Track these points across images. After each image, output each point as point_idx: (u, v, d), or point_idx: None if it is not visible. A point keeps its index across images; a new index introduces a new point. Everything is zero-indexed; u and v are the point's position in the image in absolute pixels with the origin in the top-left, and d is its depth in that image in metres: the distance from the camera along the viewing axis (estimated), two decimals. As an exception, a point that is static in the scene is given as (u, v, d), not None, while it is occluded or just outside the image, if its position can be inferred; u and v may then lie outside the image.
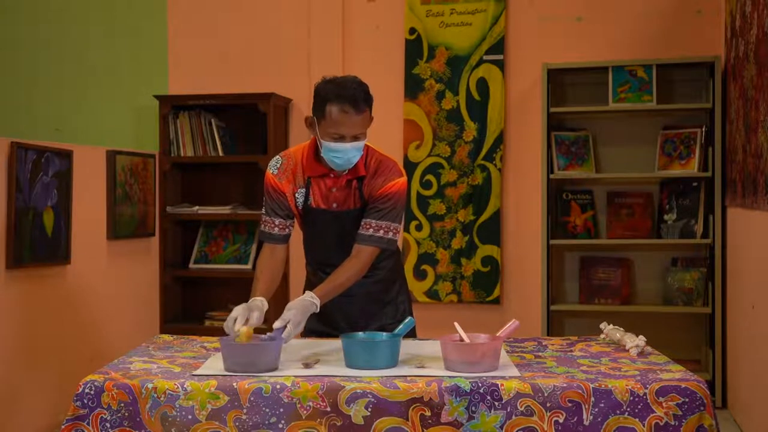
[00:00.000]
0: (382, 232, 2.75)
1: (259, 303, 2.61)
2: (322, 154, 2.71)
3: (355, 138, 2.64)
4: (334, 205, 2.79)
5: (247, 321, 2.51)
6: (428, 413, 2.17)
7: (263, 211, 2.86)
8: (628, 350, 2.57)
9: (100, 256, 4.58)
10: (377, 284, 2.90)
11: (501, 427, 2.16)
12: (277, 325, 2.47)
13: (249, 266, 5.16)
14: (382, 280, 2.91)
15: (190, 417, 2.20)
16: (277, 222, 2.82)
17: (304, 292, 2.99)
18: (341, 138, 2.63)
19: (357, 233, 2.77)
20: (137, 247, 4.95)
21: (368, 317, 2.88)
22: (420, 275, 5.13)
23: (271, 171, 2.83)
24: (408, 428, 2.17)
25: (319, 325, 2.89)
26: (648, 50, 4.89)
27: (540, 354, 2.58)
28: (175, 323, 5.16)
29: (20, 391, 3.94)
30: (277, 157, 2.87)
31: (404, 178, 2.81)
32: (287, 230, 2.85)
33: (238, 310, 2.52)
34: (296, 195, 2.81)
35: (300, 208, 2.82)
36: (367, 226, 2.75)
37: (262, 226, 2.85)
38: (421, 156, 5.10)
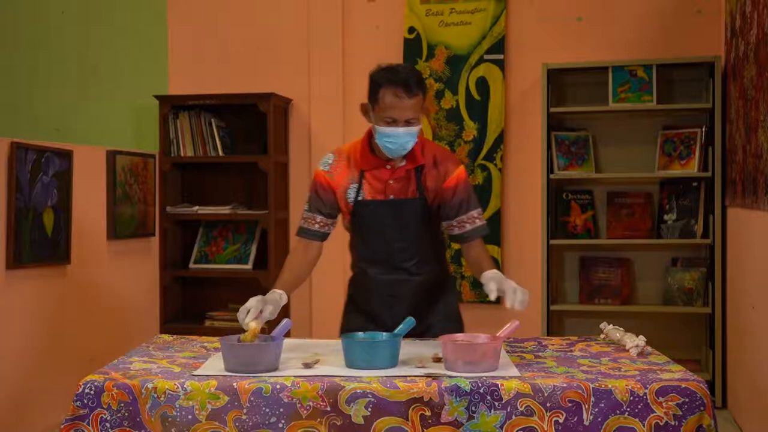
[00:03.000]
0: (478, 221, 2.80)
1: (276, 296, 2.62)
2: (376, 140, 2.71)
3: (408, 123, 2.66)
4: (392, 196, 2.78)
5: (260, 314, 2.52)
6: (428, 413, 2.17)
7: (306, 207, 2.85)
8: (628, 350, 2.57)
9: (100, 256, 4.58)
10: (425, 284, 2.87)
11: (501, 427, 2.16)
12: (507, 299, 2.48)
13: (249, 266, 5.16)
14: (430, 280, 2.89)
15: (190, 417, 2.20)
16: (318, 219, 2.82)
17: (348, 294, 2.99)
18: (394, 122, 2.65)
19: (455, 236, 2.80)
20: (137, 247, 4.95)
21: (415, 316, 2.86)
22: (420, 275, 5.12)
23: (322, 168, 2.84)
24: (408, 428, 2.17)
25: (368, 324, 2.85)
26: (648, 50, 4.89)
27: (540, 354, 2.59)
28: (175, 323, 5.16)
29: (20, 391, 3.94)
30: (329, 154, 2.87)
31: (462, 166, 2.86)
32: (327, 228, 2.84)
33: (252, 302, 2.53)
34: (348, 191, 2.80)
35: (351, 203, 2.80)
36: (463, 224, 2.78)
37: (303, 222, 2.85)
38: (421, 156, 5.10)
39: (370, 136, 2.78)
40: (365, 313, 2.89)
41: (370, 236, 2.84)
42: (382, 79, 2.66)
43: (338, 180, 2.81)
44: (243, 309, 2.51)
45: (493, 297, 2.51)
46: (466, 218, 2.79)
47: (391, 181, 2.78)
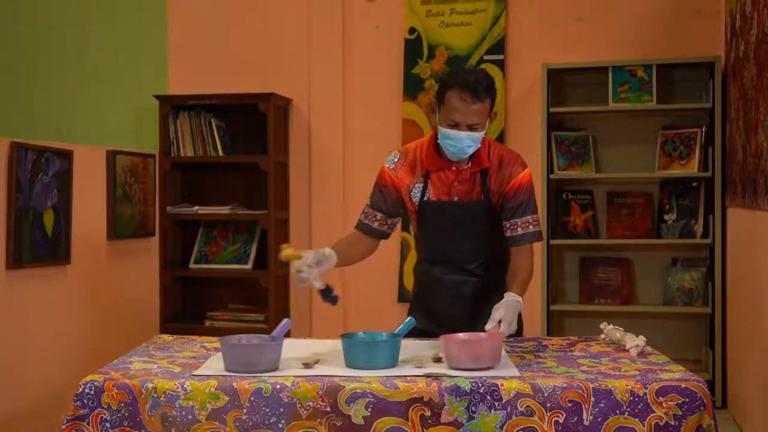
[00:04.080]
0: (532, 227, 2.76)
1: (322, 251, 2.64)
2: (438, 141, 2.71)
3: (471, 128, 2.63)
4: (456, 198, 2.77)
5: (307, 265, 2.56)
6: (428, 413, 2.18)
7: (368, 203, 2.85)
8: (628, 350, 2.57)
9: (100, 256, 4.58)
10: (488, 285, 2.86)
11: (501, 427, 2.16)
12: (488, 326, 2.45)
13: (249, 266, 5.15)
14: (494, 280, 2.87)
15: (190, 417, 2.20)
16: (378, 216, 2.82)
17: (413, 292, 2.99)
18: (456, 125, 2.63)
19: (507, 237, 2.76)
20: (137, 247, 4.95)
21: (474, 318, 2.83)
22: (420, 275, 5.11)
23: (388, 165, 2.83)
24: (408, 428, 2.17)
25: (430, 325, 2.84)
26: (648, 50, 4.89)
27: (540, 354, 2.59)
28: (175, 323, 5.16)
29: (20, 390, 3.94)
30: (395, 152, 2.86)
31: (529, 169, 2.81)
32: (385, 227, 2.84)
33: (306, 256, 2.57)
34: (413, 190, 2.80)
35: (416, 203, 2.80)
36: (515, 227, 2.75)
37: (362, 216, 2.85)
38: (421, 156, 5.09)
39: (436, 136, 2.76)
40: (429, 311, 2.88)
41: (434, 236, 2.84)
42: (450, 81, 2.64)
43: (403, 179, 2.80)
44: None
45: (487, 327, 2.46)
46: (520, 222, 2.76)
47: (455, 183, 2.76)
